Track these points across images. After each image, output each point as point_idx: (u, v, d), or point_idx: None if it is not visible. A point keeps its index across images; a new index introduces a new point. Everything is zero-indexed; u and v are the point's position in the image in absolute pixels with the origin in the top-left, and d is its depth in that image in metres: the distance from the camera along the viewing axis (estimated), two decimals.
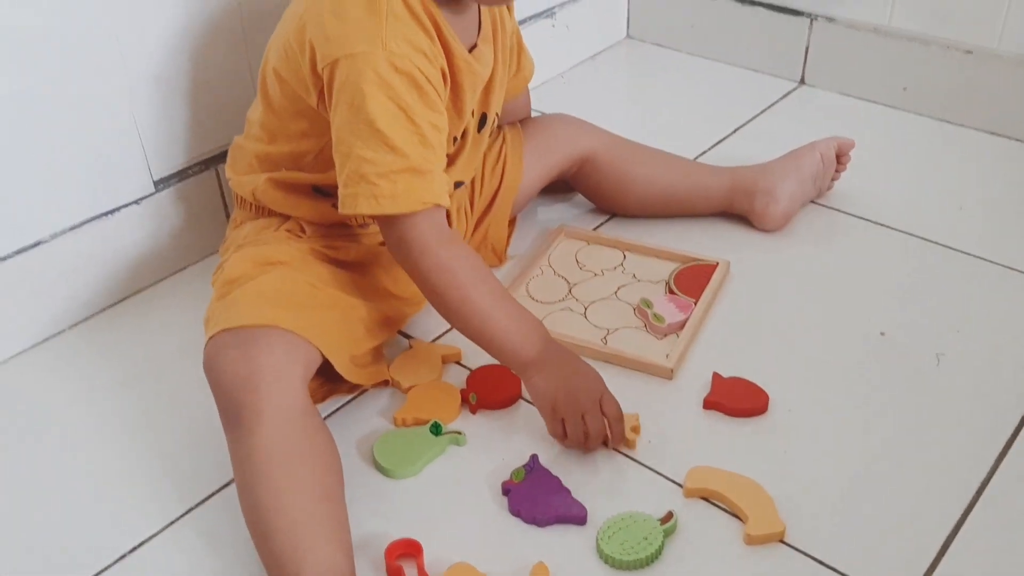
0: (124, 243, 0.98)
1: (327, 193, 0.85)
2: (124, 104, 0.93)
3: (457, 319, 0.79)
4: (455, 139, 0.85)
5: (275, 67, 0.81)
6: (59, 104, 0.89)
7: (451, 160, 0.87)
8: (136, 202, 0.97)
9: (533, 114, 1.07)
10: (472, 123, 0.87)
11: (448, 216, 0.93)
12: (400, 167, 0.74)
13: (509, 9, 0.89)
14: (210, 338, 0.76)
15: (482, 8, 0.84)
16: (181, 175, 1.00)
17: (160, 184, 0.99)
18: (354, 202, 0.75)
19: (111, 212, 0.96)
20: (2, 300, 0.91)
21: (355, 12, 0.74)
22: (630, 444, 0.80)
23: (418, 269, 0.77)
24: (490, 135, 0.92)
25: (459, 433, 0.81)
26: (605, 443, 0.79)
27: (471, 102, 0.84)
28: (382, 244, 0.88)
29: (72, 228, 0.93)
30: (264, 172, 0.85)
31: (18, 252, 0.90)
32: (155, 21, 0.92)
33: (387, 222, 0.77)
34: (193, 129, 0.99)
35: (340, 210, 0.77)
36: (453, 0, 0.78)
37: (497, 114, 0.91)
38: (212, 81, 0.99)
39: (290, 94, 0.80)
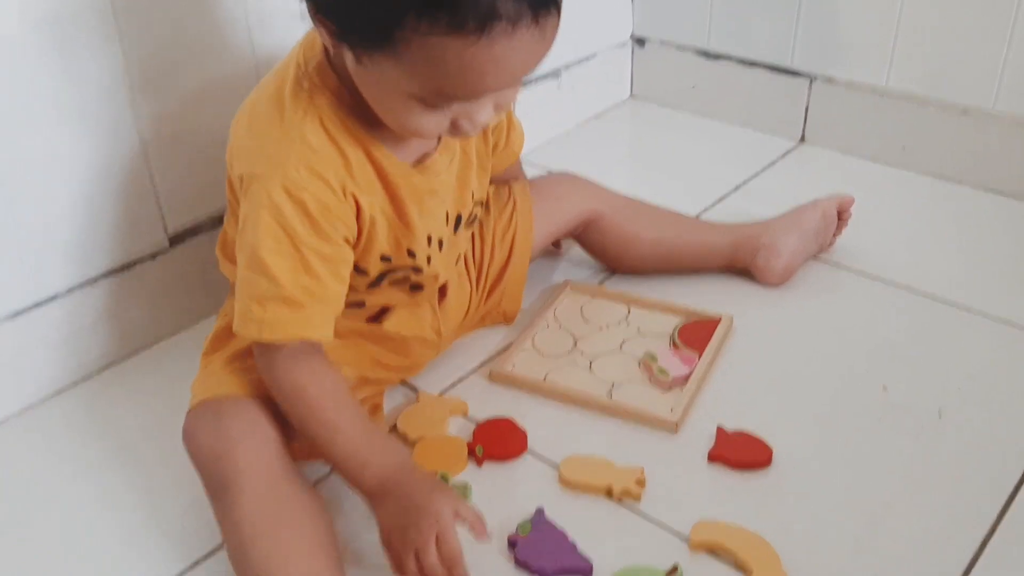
0: (139, 297, 1.00)
1: None
2: (141, 160, 0.96)
3: (306, 438, 0.76)
4: (411, 252, 0.82)
5: (229, 160, 0.81)
6: (77, 160, 0.91)
7: (436, 272, 0.86)
8: (151, 257, 1.00)
9: (539, 173, 1.09)
10: (447, 228, 0.85)
11: (445, 288, 0.92)
12: (272, 295, 0.72)
13: None
14: (189, 411, 0.78)
15: None
16: (195, 231, 1.03)
17: (175, 240, 1.01)
18: (234, 318, 0.74)
19: (127, 267, 0.98)
20: (18, 353, 0.92)
21: (268, 131, 0.73)
22: (635, 497, 0.80)
23: (274, 387, 0.75)
24: (470, 225, 0.90)
25: (465, 485, 0.82)
26: None
27: (420, 215, 0.80)
28: (368, 321, 0.88)
29: (88, 282, 0.95)
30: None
31: (35, 306, 0.92)
32: (172, 79, 0.95)
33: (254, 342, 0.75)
34: (208, 186, 1.02)
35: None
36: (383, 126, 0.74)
37: (481, 202, 0.90)
38: (228, 139, 1.01)
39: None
